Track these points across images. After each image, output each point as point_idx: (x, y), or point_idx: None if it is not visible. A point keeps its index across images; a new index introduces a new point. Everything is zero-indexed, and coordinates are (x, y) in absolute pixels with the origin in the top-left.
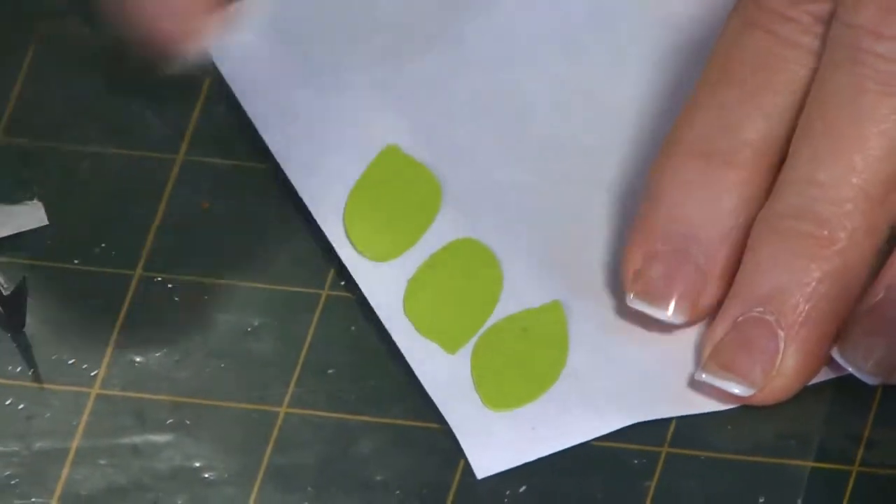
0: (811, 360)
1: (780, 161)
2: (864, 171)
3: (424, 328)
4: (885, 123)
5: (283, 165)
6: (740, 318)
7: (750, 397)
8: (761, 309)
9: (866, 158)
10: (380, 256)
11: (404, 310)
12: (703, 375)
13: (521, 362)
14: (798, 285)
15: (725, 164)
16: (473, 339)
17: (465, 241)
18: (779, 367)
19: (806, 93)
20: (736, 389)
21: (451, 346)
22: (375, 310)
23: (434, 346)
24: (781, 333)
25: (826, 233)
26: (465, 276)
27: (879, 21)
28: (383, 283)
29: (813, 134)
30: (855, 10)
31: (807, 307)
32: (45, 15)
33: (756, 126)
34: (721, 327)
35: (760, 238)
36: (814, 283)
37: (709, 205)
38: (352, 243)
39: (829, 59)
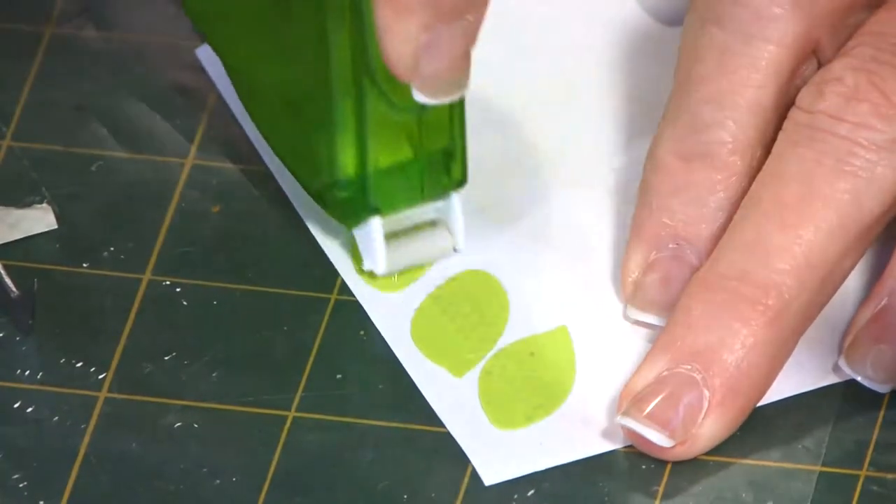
0: (728, 428)
1: (760, 156)
2: (810, 244)
3: (432, 353)
4: (837, 199)
5: (289, 195)
6: (666, 373)
7: (661, 449)
8: (689, 366)
9: (815, 232)
10: (387, 288)
11: (412, 336)
12: (624, 420)
13: (528, 386)
14: (729, 349)
15: (706, 166)
16: (480, 364)
17: (471, 272)
18: (696, 430)
19: (770, 83)
20: (654, 438)
21: (458, 370)
22: (383, 334)
23: (441, 370)
24: (707, 393)
25: (763, 299)
26: (471, 304)
27: (841, 108)
28: (390, 310)
29: (762, 201)
30: (818, 98)
31: (735, 373)
32: (55, 19)
33: (726, 126)
34: (644, 378)
35: (696, 296)
36: (745, 350)
37: (696, 206)
38: (358, 275)
39: (785, 138)
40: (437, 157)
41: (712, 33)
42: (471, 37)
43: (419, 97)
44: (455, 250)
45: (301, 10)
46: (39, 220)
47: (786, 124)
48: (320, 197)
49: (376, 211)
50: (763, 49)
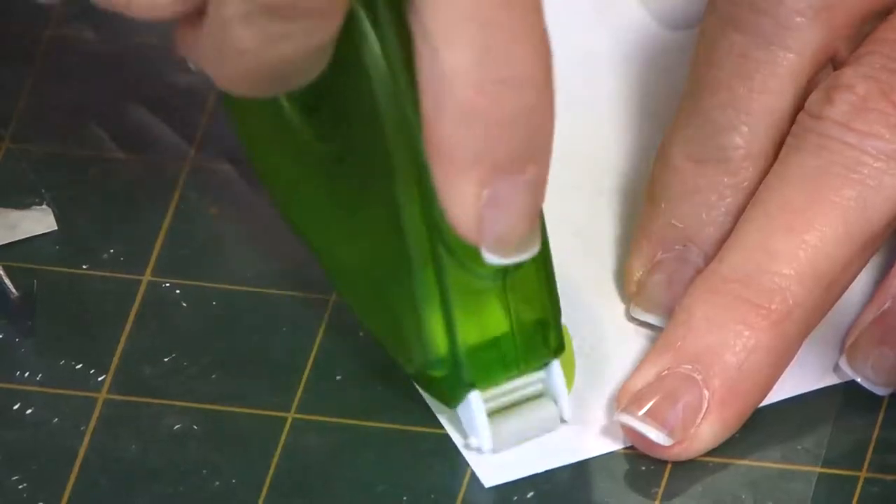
0: (727, 429)
1: (773, 163)
2: (816, 250)
3: None
4: (844, 206)
5: None
6: (666, 372)
7: (660, 448)
8: (689, 367)
9: (821, 238)
10: None
11: None
12: (623, 418)
13: None
14: (731, 351)
15: (718, 170)
16: None
17: None
18: (695, 430)
19: (786, 91)
20: (653, 436)
21: None
22: None
23: None
24: (706, 393)
25: (767, 304)
26: None
27: (850, 117)
28: None
29: (769, 206)
30: (827, 105)
31: (736, 374)
32: (53, 20)
33: (741, 131)
34: (644, 377)
35: (699, 297)
36: (746, 352)
37: (705, 209)
38: None
39: (793, 144)
40: (532, 327)
41: (732, 38)
42: (536, 191)
43: (489, 258)
44: (561, 420)
45: (371, 187)
46: (39, 221)
47: (794, 129)
48: (418, 378)
49: (473, 386)
50: (782, 57)
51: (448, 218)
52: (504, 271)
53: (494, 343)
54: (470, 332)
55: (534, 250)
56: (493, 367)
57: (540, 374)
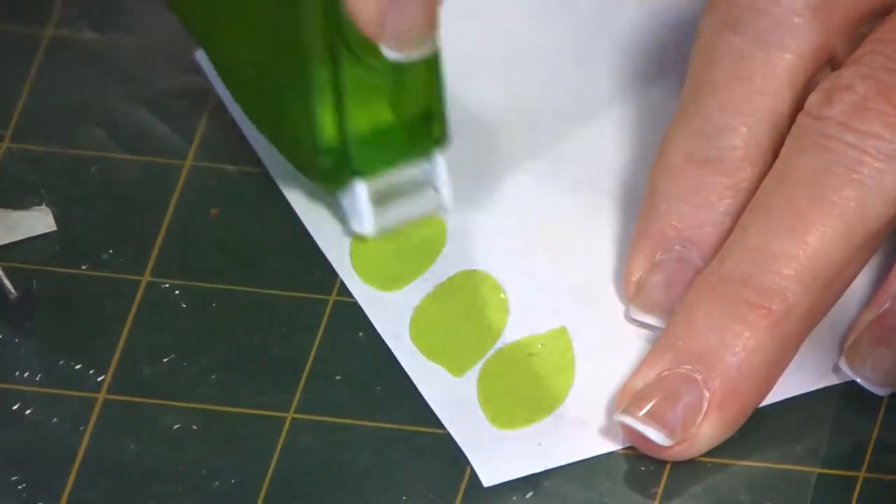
0: (727, 429)
1: (771, 163)
2: (815, 251)
3: (430, 353)
4: (844, 206)
5: (287, 196)
6: (666, 372)
7: (660, 448)
8: (689, 367)
9: (821, 238)
10: (385, 287)
11: (410, 335)
12: (624, 418)
13: (527, 387)
14: (731, 351)
15: (716, 171)
16: (479, 364)
17: (470, 272)
18: (695, 431)
19: (785, 91)
20: (653, 436)
21: (457, 369)
22: (381, 334)
23: (440, 370)
24: (706, 394)
25: (767, 304)
26: (470, 303)
27: (850, 116)
28: (389, 310)
29: (769, 206)
30: (827, 104)
31: (736, 375)
32: (53, 21)
33: (739, 132)
34: (645, 376)
35: (699, 297)
36: (746, 352)
37: (704, 210)
38: (358, 275)
39: (793, 144)
40: (418, 118)
41: (729, 39)
42: None
43: (389, 54)
44: (442, 208)
45: None
46: (38, 221)
47: (794, 129)
48: (303, 166)
49: (359, 175)
50: (780, 57)
51: (351, 14)
52: (399, 67)
53: (382, 132)
54: (360, 123)
55: (432, 46)
56: (380, 156)
57: (425, 166)
